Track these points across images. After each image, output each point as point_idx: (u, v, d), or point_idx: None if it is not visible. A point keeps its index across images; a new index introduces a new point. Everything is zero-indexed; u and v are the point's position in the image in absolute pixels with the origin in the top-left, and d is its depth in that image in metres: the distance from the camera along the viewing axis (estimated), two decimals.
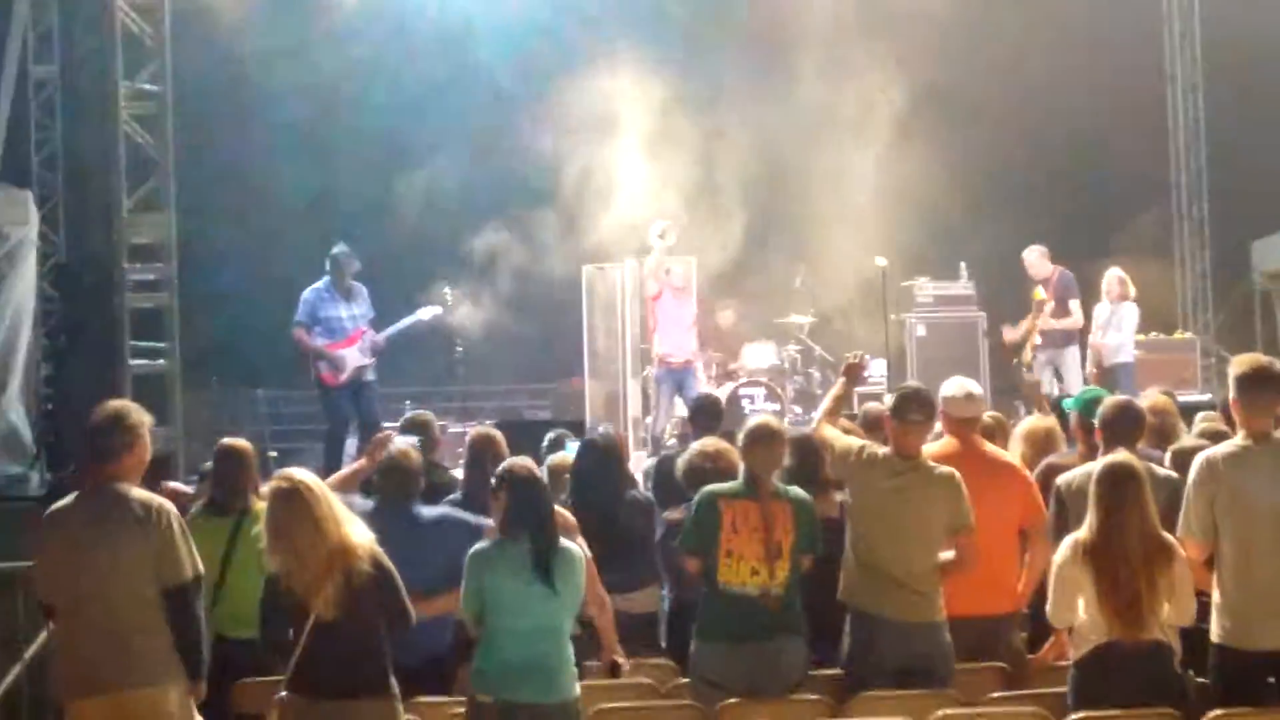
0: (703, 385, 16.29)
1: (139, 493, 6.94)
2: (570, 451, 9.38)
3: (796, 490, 7.83)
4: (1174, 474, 7.89)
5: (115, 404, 7.21)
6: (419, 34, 18.93)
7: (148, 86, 16.22)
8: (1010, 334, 16.84)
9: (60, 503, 7.06)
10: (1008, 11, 19.21)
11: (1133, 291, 16.36)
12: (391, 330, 15.07)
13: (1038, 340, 16.50)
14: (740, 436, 7.96)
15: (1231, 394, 7.29)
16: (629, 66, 17.32)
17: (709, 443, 8.78)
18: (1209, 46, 21.22)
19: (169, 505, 6.98)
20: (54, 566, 6.96)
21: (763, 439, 7.84)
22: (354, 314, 14.81)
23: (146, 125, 16.25)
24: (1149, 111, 20.56)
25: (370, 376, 14.90)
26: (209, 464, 9.14)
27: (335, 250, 14.82)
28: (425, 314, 15.50)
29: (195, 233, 17.16)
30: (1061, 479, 7.99)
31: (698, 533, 7.71)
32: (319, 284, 14.76)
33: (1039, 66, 18.97)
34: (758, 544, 7.58)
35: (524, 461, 7.38)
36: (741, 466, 7.88)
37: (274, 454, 16.81)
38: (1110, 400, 8.38)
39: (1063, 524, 7.55)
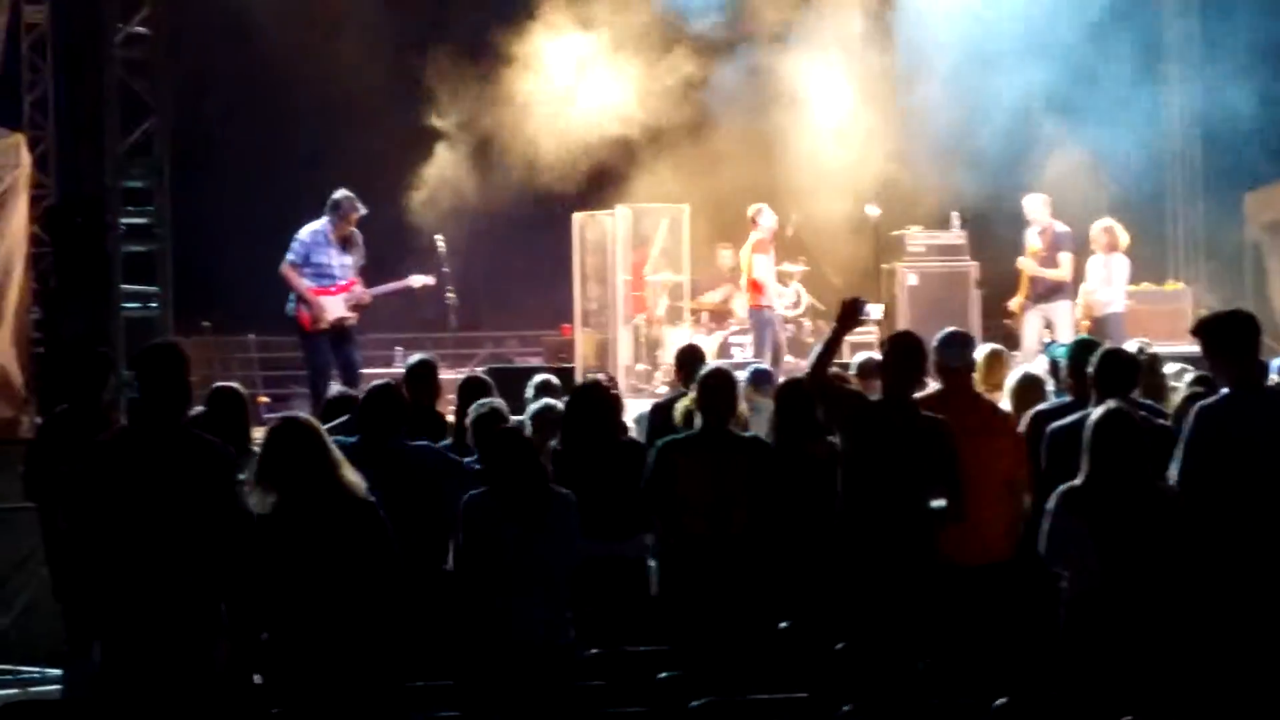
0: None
1: None
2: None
3: (754, 437, 7.87)
4: (1167, 423, 7.93)
5: None
6: None
7: (140, 30, 16.14)
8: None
9: None
10: None
11: (1123, 242, 16.35)
12: (379, 290, 15.06)
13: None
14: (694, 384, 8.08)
15: (1208, 351, 7.32)
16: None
17: None
18: None
19: None
20: None
21: (714, 386, 7.90)
22: (345, 263, 14.73)
23: (139, 69, 16.18)
24: (1142, 58, 20.52)
25: (351, 324, 14.85)
26: (200, 409, 9.11)
27: (339, 195, 14.71)
28: (415, 281, 15.51)
29: (188, 177, 17.09)
30: (1053, 427, 8.02)
31: (654, 483, 7.76)
32: (317, 225, 14.67)
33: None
34: (711, 492, 7.63)
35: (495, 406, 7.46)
36: (697, 415, 7.96)
37: (265, 399, 16.85)
38: (1104, 350, 8.40)
39: (1054, 472, 7.56)
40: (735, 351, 16.85)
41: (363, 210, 14.77)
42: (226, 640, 6.58)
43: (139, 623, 6.40)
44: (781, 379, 9.70)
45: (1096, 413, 7.08)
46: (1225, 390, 7.21)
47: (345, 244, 14.75)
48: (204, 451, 6.65)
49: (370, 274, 14.99)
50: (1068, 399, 8.66)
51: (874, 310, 16.24)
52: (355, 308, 14.78)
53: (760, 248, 16.57)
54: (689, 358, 10.85)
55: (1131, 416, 7.02)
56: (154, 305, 16.20)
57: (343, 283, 14.70)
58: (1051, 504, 7.05)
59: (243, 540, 6.55)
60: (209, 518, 6.49)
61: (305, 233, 14.70)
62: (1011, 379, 9.64)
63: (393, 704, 6.74)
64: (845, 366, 11.01)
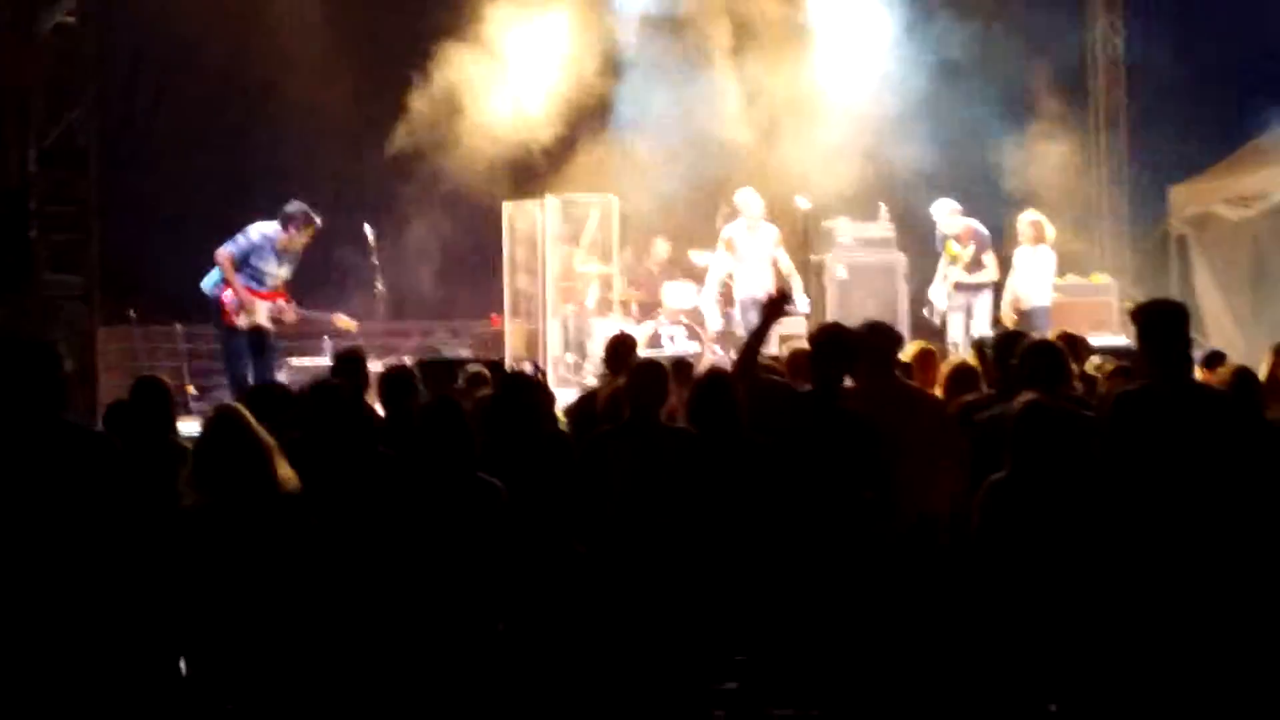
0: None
1: None
2: None
3: (683, 428, 7.87)
4: (1091, 415, 7.97)
5: None
6: None
7: (68, 19, 15.99)
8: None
9: None
10: None
11: (1050, 236, 16.47)
12: (305, 313, 15.07)
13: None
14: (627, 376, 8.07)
15: (1138, 340, 7.36)
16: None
17: None
18: None
19: None
20: None
21: (644, 377, 7.90)
22: (280, 274, 14.73)
23: (66, 58, 16.03)
24: (1068, 53, 20.63)
25: (272, 339, 14.84)
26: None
27: (296, 208, 14.70)
28: (340, 321, 15.38)
29: (115, 165, 16.97)
30: (979, 418, 8.06)
31: (583, 474, 7.76)
32: (269, 229, 14.62)
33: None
34: (639, 483, 7.62)
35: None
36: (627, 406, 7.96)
37: (192, 389, 16.75)
38: (1029, 342, 8.45)
39: (981, 464, 7.58)
40: (665, 343, 16.85)
41: (319, 224, 14.78)
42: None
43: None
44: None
45: (1017, 406, 7.12)
46: (1145, 382, 7.24)
47: (285, 256, 14.69)
48: (79, 447, 6.45)
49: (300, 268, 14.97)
50: (993, 391, 8.71)
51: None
52: (276, 321, 14.70)
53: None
54: (619, 348, 10.84)
55: (1051, 409, 7.05)
56: (78, 294, 16.09)
57: (269, 293, 14.65)
58: (978, 496, 7.08)
59: (131, 534, 6.43)
60: (84, 516, 6.30)
61: (256, 233, 14.61)
62: (944, 368, 9.70)
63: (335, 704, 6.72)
64: (776, 359, 11.01)
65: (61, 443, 6.37)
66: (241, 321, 14.50)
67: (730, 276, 17.34)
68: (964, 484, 7.59)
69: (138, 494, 6.51)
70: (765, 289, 16.15)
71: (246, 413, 6.74)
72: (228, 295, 14.45)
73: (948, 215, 16.85)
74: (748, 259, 17.03)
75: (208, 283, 14.57)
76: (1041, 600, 6.88)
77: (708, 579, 7.59)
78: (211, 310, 14.65)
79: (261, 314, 14.57)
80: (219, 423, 6.68)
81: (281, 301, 14.73)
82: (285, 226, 14.64)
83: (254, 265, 14.56)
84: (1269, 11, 18.92)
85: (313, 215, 14.68)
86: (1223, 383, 8.44)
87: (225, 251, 14.52)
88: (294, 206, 14.72)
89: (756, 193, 17.20)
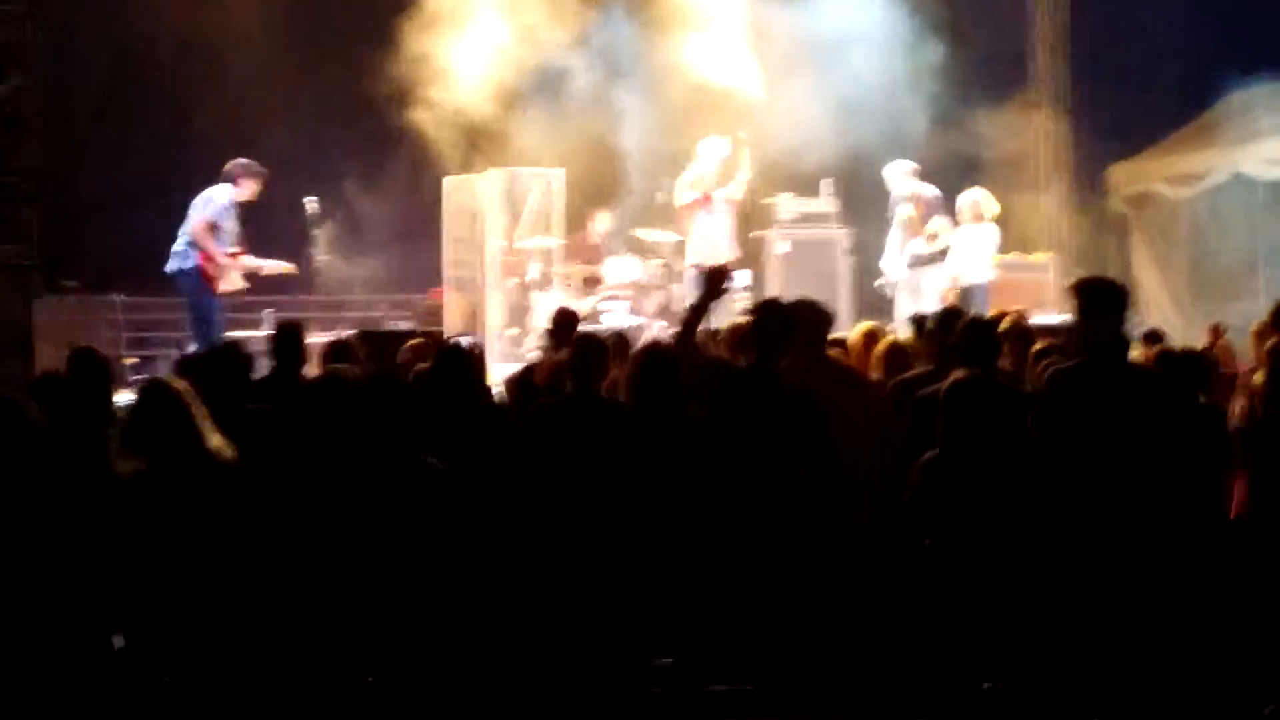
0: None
1: None
2: None
3: (622, 403, 7.88)
4: (1028, 391, 8.02)
5: None
6: None
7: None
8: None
9: None
10: None
11: (991, 212, 16.51)
12: (267, 264, 15.40)
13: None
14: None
15: (1075, 314, 7.39)
16: None
17: None
18: None
19: None
20: None
21: (585, 351, 7.91)
22: (237, 231, 15.02)
23: (5, 24, 15.87)
24: (1012, 30, 20.70)
25: None
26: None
27: (246, 162, 15.05)
28: (283, 268, 15.83)
29: (55, 136, 16.82)
30: (915, 396, 8.09)
31: (523, 446, 7.76)
32: (227, 190, 14.92)
33: None
34: (580, 456, 7.63)
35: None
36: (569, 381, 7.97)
37: (131, 360, 16.65)
38: (964, 319, 8.49)
39: (917, 440, 7.62)
40: (605, 318, 16.83)
41: (264, 171, 15.13)
42: None
43: None
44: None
45: (949, 383, 7.15)
46: (1079, 360, 7.28)
47: (237, 211, 14.99)
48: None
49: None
50: (931, 367, 8.73)
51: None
52: (248, 277, 15.02)
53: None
54: (563, 321, 10.84)
55: (984, 385, 7.09)
56: (18, 263, 15.94)
57: (235, 251, 14.92)
58: (913, 472, 7.12)
59: (52, 504, 6.43)
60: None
61: (223, 196, 14.90)
62: (878, 348, 9.70)
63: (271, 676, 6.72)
64: (716, 333, 11.00)
65: None
66: (225, 286, 14.80)
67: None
68: (894, 461, 7.63)
69: (58, 461, 6.50)
70: (716, 260, 16.14)
71: (178, 382, 6.73)
72: (208, 266, 14.70)
73: (902, 176, 16.84)
74: (700, 228, 16.96)
75: (176, 261, 14.76)
76: (975, 576, 6.93)
77: (646, 554, 7.59)
78: (187, 283, 14.83)
79: (237, 278, 14.92)
80: (149, 392, 6.67)
81: (245, 258, 15.04)
82: (236, 182, 14.95)
83: (222, 228, 14.82)
84: None
85: (254, 164, 15.03)
86: (1149, 360, 8.51)
87: (200, 222, 14.75)
88: (234, 164, 15.02)
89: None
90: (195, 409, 6.64)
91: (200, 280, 14.80)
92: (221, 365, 8.25)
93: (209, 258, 14.72)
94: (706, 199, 16.80)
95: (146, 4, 18.15)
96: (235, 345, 9.18)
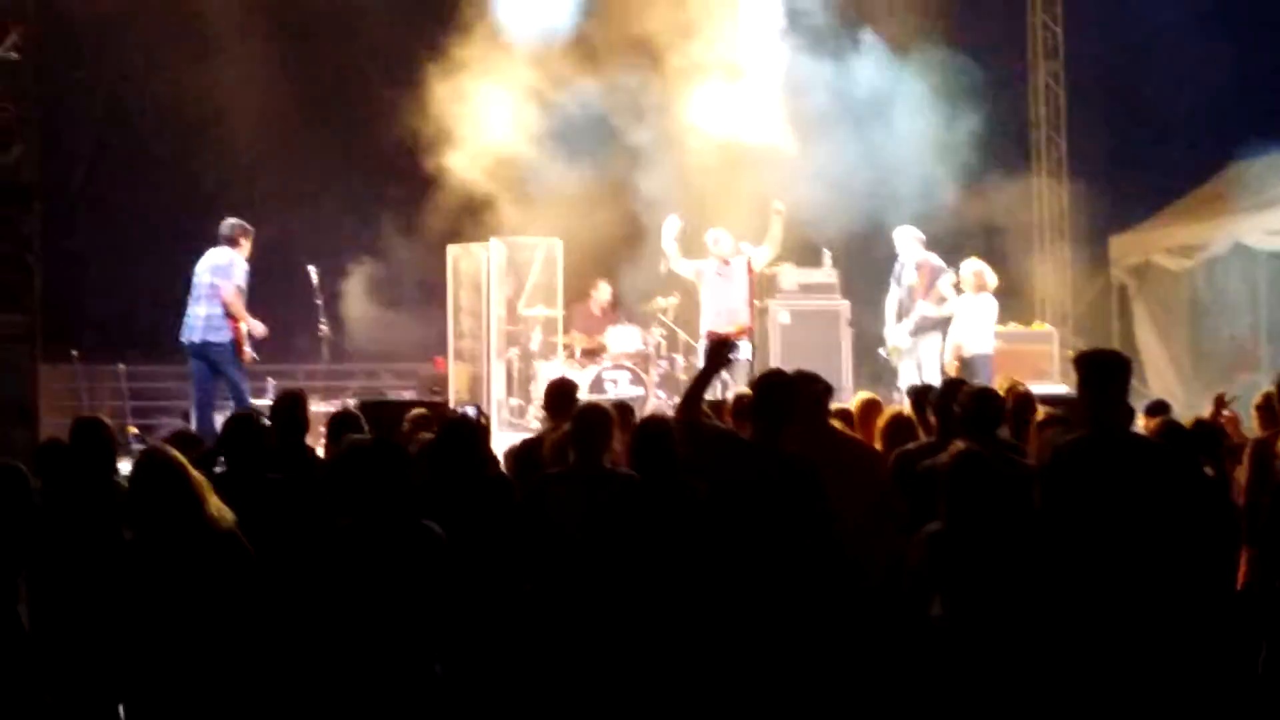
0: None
1: None
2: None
3: (628, 473, 7.86)
4: (1029, 464, 8.01)
5: None
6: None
7: (10, 55, 15.91)
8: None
9: None
10: None
11: (992, 284, 16.52)
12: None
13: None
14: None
15: (1079, 387, 7.40)
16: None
17: None
18: (1072, 38, 21.57)
19: None
20: None
21: (589, 421, 7.90)
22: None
23: (7, 94, 15.95)
24: (1011, 105, 20.79)
25: None
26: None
27: (231, 225, 15.03)
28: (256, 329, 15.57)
29: (58, 203, 16.90)
30: (918, 468, 8.07)
31: (526, 517, 7.75)
32: (234, 253, 14.92)
33: None
34: (584, 527, 7.61)
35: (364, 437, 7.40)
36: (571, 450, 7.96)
37: (134, 429, 16.67)
38: (968, 390, 8.49)
39: (919, 513, 7.61)
40: (609, 387, 16.84)
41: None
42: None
43: None
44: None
45: (951, 455, 7.14)
46: (1083, 432, 7.28)
47: None
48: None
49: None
50: (934, 439, 8.73)
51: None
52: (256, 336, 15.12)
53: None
54: (560, 391, 10.81)
55: (984, 458, 7.07)
56: (20, 333, 15.96)
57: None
58: (914, 544, 7.11)
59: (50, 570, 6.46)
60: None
61: (240, 260, 14.91)
62: (880, 419, 9.69)
63: None
64: (721, 404, 10.98)
65: None
66: (248, 350, 14.90)
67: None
68: (896, 532, 7.62)
69: (60, 531, 6.50)
70: (732, 326, 16.22)
71: (175, 451, 6.74)
72: (244, 333, 14.79)
73: (912, 241, 16.82)
74: (714, 298, 16.89)
75: (204, 332, 14.77)
76: (980, 650, 6.91)
77: (648, 624, 7.58)
78: (222, 354, 14.81)
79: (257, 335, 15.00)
80: (146, 462, 6.68)
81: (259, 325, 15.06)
82: (237, 243, 14.94)
83: (244, 290, 14.88)
84: (1210, 66, 19.12)
85: (244, 222, 15.09)
86: (1154, 431, 8.52)
87: (235, 291, 14.76)
88: (233, 224, 15.06)
89: (727, 232, 17.09)
90: (192, 477, 6.64)
91: (235, 350, 14.83)
92: (244, 434, 8.27)
93: (237, 326, 14.77)
94: (725, 263, 16.75)
95: (145, 73, 18.22)
96: (254, 415, 9.19)
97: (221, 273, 14.84)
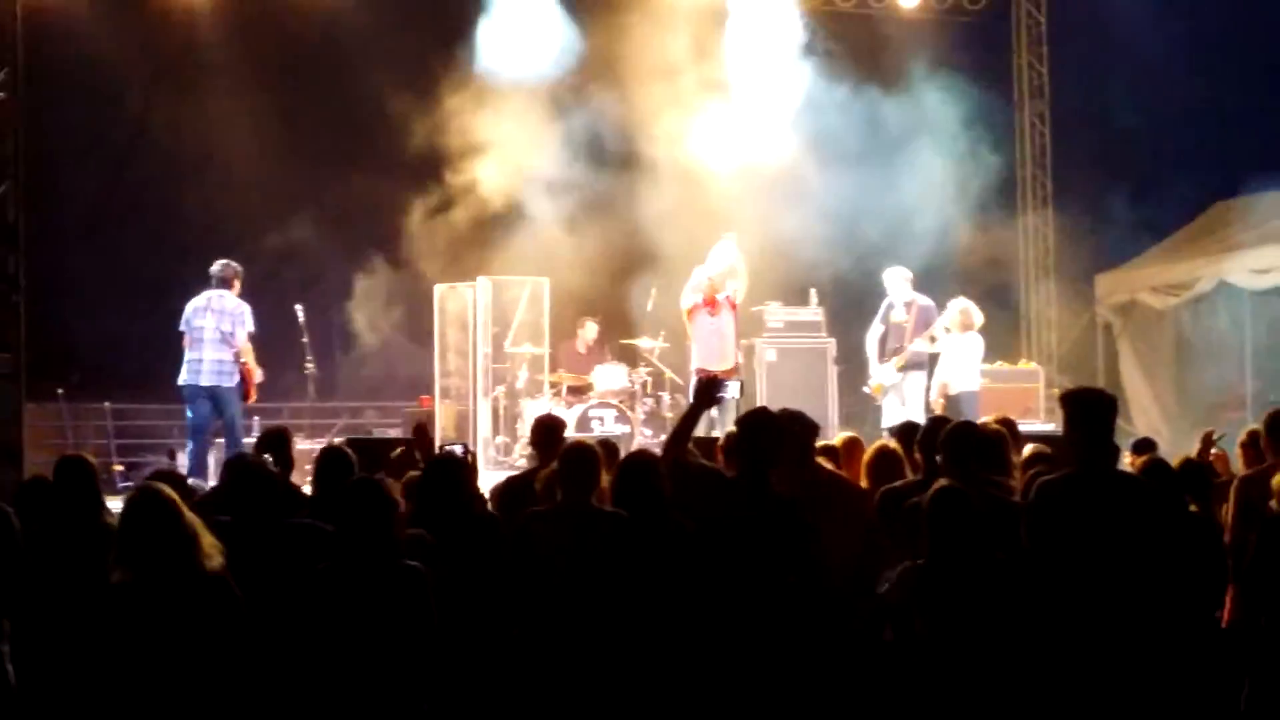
0: None
1: None
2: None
3: (615, 512, 7.85)
4: (1013, 500, 8.02)
5: None
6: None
7: None
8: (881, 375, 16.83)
9: None
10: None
11: (978, 322, 16.55)
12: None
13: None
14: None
15: (1065, 425, 7.42)
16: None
17: None
18: (1057, 77, 21.68)
19: None
20: None
21: (576, 459, 7.89)
22: None
23: None
24: (996, 142, 20.84)
25: None
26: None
27: (224, 268, 15.26)
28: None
29: (44, 241, 16.87)
30: (901, 504, 8.07)
31: (514, 555, 7.74)
32: (234, 296, 15.21)
33: None
34: (571, 565, 7.60)
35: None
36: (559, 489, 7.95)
37: (119, 467, 16.63)
38: (949, 426, 8.49)
39: (902, 549, 7.61)
40: (595, 425, 16.84)
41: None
42: None
43: None
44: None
45: (932, 492, 7.16)
46: (1070, 469, 7.30)
47: None
48: None
49: None
50: (920, 477, 8.73)
51: (731, 388, 16.11)
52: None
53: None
54: (547, 429, 10.79)
55: (964, 494, 7.09)
56: (6, 372, 15.93)
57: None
58: (895, 581, 7.12)
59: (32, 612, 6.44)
60: None
61: (243, 305, 15.20)
62: (865, 456, 9.69)
63: None
64: (713, 441, 10.96)
65: None
66: (254, 393, 15.30)
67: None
68: (880, 569, 7.62)
69: (43, 570, 6.48)
70: (721, 364, 16.26)
71: (169, 491, 6.71)
72: (256, 374, 15.16)
73: (901, 281, 16.84)
74: (704, 332, 16.89)
75: (215, 376, 14.99)
76: (962, 685, 6.91)
77: (634, 661, 7.56)
78: (230, 397, 15.07)
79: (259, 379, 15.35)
80: (140, 499, 6.64)
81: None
82: (230, 284, 15.17)
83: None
84: (1195, 105, 19.22)
85: (234, 263, 15.34)
86: (1138, 469, 8.54)
87: (246, 337, 15.07)
88: (222, 266, 15.25)
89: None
90: (185, 516, 6.62)
91: (243, 394, 15.15)
92: (252, 480, 8.23)
93: (249, 371, 15.04)
94: (711, 302, 16.75)
95: (134, 112, 18.21)
96: (261, 461, 9.21)
97: (235, 320, 15.08)
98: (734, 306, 16.90)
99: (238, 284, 15.21)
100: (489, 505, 9.37)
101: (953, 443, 8.10)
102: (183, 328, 15.08)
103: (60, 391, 17.94)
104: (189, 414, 15.14)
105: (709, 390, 9.07)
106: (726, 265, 16.84)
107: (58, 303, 17.52)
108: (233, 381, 15.04)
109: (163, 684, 6.43)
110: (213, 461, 14.91)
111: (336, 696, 6.79)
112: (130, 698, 6.45)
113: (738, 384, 16.61)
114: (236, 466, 8.33)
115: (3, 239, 15.75)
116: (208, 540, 6.65)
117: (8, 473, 13.79)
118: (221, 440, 15.57)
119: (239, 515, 7.64)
